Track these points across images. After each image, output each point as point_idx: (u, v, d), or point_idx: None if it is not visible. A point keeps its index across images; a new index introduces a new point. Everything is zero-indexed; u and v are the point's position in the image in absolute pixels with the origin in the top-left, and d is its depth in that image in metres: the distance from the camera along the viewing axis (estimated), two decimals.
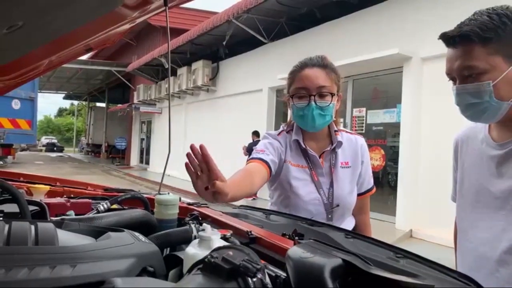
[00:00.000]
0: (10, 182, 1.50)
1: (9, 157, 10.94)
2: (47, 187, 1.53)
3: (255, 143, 9.43)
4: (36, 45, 1.18)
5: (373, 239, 0.96)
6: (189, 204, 1.44)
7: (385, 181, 7.36)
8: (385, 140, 7.28)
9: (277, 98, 9.99)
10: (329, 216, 1.46)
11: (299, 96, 1.44)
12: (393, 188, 6.90)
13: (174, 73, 13.88)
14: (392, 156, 7.11)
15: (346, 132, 1.58)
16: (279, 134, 1.56)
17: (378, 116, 7.36)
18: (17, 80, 1.45)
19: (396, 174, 6.79)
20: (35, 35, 1.11)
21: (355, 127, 7.72)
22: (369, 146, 7.38)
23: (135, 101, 17.91)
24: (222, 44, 11.41)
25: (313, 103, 1.41)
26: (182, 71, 13.31)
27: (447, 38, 1.06)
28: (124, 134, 21.89)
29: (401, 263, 0.80)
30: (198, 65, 12.39)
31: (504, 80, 1.00)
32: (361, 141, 1.58)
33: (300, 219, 1.23)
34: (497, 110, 1.03)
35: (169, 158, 1.55)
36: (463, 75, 1.05)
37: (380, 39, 6.84)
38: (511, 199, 1.05)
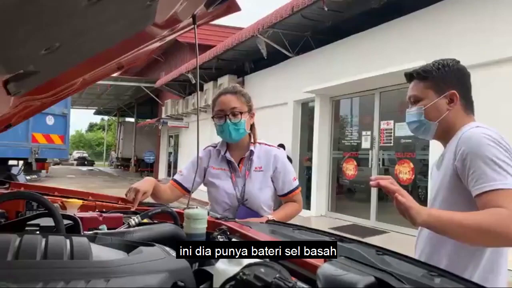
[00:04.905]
0: (45, 197, 1.55)
1: (42, 171, 11.30)
2: (80, 202, 1.57)
3: None
4: (71, 65, 1.22)
5: (406, 256, 0.93)
6: (217, 218, 1.44)
7: (415, 195, 7.17)
8: (414, 153, 7.12)
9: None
10: (242, 207, 1.91)
11: (218, 117, 1.92)
12: (423, 202, 6.69)
13: (200, 88, 14.09)
14: (422, 169, 6.93)
15: (266, 144, 2.03)
16: (204, 149, 2.08)
17: (407, 129, 7.21)
18: (53, 98, 1.51)
19: (426, 188, 6.61)
20: (70, 55, 1.15)
21: (383, 139, 7.59)
22: (398, 159, 7.26)
23: (163, 116, 18.25)
24: (248, 59, 11.52)
25: (228, 121, 1.88)
26: (209, 86, 13.51)
27: (405, 75, 1.61)
28: (152, 148, 22.28)
29: (435, 281, 0.78)
30: (224, 80, 12.54)
31: (432, 106, 1.48)
32: (276, 152, 2.01)
33: (328, 234, 1.22)
34: (428, 127, 1.52)
35: (197, 172, 1.62)
36: (411, 101, 1.56)
37: (406, 51, 6.75)
38: (438, 192, 1.46)
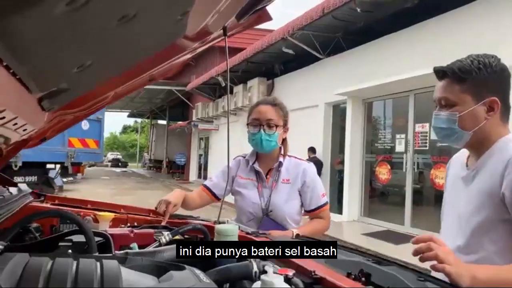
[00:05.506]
0: (78, 209, 1.57)
1: (78, 174, 11.67)
2: (112, 215, 1.58)
3: (311, 159, 9.30)
4: (102, 81, 1.23)
5: (451, 285, 0.87)
6: (248, 233, 1.41)
7: None
8: (450, 157, 6.85)
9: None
10: (266, 218, 1.88)
11: (253, 125, 1.92)
12: None
13: (230, 91, 14.16)
14: None
15: (296, 158, 2.02)
16: (234, 159, 2.07)
17: None
18: (86, 111, 1.53)
19: None
20: (102, 72, 1.16)
21: (418, 143, 7.36)
22: (434, 163, 7.02)
23: (194, 118, 18.50)
24: (277, 61, 11.47)
25: (262, 131, 1.87)
26: (238, 89, 13.57)
27: (435, 72, 1.36)
28: (183, 150, 22.61)
29: None
30: (254, 82, 12.56)
31: (469, 114, 1.26)
32: (305, 165, 1.98)
33: (365, 255, 1.16)
34: (461, 137, 1.30)
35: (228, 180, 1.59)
36: (441, 104, 1.35)
37: (441, 51, 6.52)
38: (473, 213, 1.25)
